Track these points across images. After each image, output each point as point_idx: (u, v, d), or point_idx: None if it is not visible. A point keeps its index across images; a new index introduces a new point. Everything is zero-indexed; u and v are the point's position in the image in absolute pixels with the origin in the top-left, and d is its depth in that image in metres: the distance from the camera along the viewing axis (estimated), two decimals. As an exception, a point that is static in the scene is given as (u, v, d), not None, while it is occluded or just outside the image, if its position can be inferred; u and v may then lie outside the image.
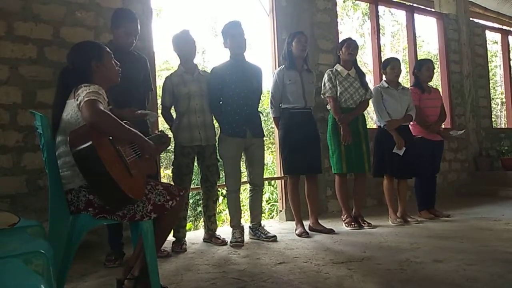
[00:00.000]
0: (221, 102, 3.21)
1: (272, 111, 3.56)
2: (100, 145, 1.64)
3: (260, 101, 3.46)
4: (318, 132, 3.54)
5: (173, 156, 3.19)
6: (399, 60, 4.02)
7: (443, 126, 4.70)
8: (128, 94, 2.62)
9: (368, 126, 3.90)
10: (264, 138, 3.45)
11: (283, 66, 3.50)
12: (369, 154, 3.73)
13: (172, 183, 3.12)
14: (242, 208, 3.68)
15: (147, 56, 3.22)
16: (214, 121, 3.24)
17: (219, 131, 3.30)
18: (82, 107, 1.68)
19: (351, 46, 3.69)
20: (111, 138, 1.73)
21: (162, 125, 4.62)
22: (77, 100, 1.73)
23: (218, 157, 3.23)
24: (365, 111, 4.00)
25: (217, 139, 3.23)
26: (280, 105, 3.49)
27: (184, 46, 3.11)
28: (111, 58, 2.00)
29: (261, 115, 3.40)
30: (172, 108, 3.21)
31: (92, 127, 1.66)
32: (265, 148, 3.65)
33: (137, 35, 2.76)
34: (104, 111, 1.68)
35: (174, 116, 3.23)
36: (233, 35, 3.19)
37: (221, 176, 3.29)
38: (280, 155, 3.74)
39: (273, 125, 3.77)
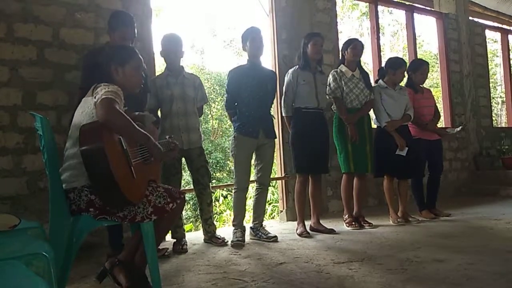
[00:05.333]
0: (236, 104, 3.30)
1: (284, 110, 3.58)
2: (109, 144, 1.66)
3: (272, 104, 3.52)
4: (328, 133, 3.56)
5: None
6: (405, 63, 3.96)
7: (443, 125, 4.69)
8: (126, 96, 2.61)
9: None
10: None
11: (297, 66, 3.53)
12: (372, 155, 3.73)
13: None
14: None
15: (147, 57, 3.23)
16: (226, 124, 3.26)
17: (233, 131, 3.39)
18: (98, 104, 1.70)
19: (358, 47, 3.68)
20: (121, 137, 1.74)
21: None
22: (95, 98, 1.75)
23: (231, 158, 3.26)
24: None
25: (203, 142, 3.28)
26: (293, 104, 3.51)
27: (170, 49, 3.09)
28: (136, 68, 2.00)
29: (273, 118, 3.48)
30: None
31: (104, 125, 1.67)
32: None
33: (134, 38, 2.75)
34: (119, 110, 1.70)
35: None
36: (253, 39, 3.27)
37: (220, 177, 3.30)
38: (281, 154, 3.77)
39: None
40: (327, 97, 3.75)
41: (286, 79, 3.56)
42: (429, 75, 4.22)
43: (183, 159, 3.16)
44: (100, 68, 1.94)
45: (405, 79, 4.16)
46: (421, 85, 4.16)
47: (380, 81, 3.93)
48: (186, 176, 6.32)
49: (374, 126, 3.99)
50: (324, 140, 3.50)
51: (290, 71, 3.56)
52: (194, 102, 3.16)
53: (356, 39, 3.81)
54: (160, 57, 3.22)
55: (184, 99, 3.08)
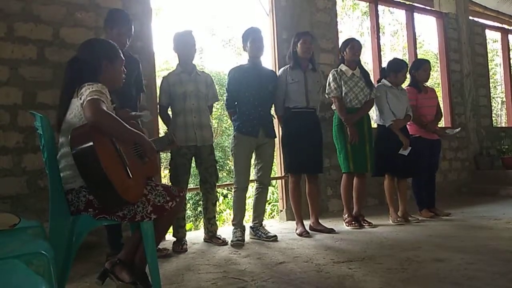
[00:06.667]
0: (236, 103, 3.31)
1: (276, 110, 3.58)
2: (100, 145, 1.64)
3: (272, 104, 3.52)
4: (320, 132, 3.53)
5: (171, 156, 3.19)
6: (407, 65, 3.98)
7: (442, 125, 4.67)
8: (120, 95, 2.60)
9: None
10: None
11: (288, 65, 3.51)
12: (372, 154, 3.72)
13: (169, 183, 3.12)
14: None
15: (147, 56, 3.24)
16: (230, 122, 3.24)
17: (233, 130, 3.39)
18: (85, 106, 1.68)
19: (355, 46, 3.68)
20: (113, 138, 1.73)
21: (161, 125, 4.61)
22: (80, 99, 1.73)
23: (231, 157, 3.26)
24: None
25: (214, 140, 3.29)
26: (284, 104, 3.50)
27: (184, 46, 3.12)
28: (122, 63, 2.01)
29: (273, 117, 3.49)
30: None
31: (93, 126, 1.66)
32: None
33: (131, 36, 2.76)
34: (106, 111, 1.68)
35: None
36: (253, 39, 3.29)
37: (220, 177, 3.30)
38: (281, 153, 3.77)
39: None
40: (326, 96, 3.74)
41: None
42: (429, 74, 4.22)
43: (193, 158, 3.16)
44: (87, 65, 1.87)
45: (408, 80, 4.15)
46: (425, 85, 4.17)
47: (384, 80, 3.93)
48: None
49: (374, 125, 3.99)
50: (316, 140, 3.47)
51: (280, 70, 3.56)
52: (206, 99, 3.19)
53: (353, 39, 3.80)
54: (158, 57, 3.24)
55: (197, 96, 3.10)
